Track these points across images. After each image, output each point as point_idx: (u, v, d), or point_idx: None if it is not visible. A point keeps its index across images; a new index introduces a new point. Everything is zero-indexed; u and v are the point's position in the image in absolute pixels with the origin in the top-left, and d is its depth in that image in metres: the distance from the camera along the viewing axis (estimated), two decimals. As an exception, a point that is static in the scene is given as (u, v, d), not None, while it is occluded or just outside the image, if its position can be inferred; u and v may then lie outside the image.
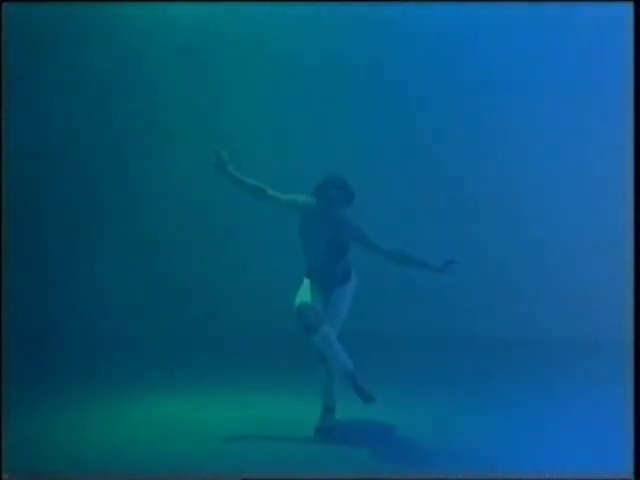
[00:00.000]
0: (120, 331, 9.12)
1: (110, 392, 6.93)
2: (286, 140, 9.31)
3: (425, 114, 9.23)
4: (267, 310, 8.86)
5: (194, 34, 9.32)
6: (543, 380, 7.07)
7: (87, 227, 9.45)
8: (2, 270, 9.04)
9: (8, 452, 5.39)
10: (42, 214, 9.47)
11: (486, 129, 9.20)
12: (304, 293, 6.05)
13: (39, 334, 9.04)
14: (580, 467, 4.81)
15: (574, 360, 7.91)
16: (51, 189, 9.47)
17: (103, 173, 9.42)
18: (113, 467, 5.20)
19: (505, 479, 4.68)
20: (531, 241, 9.17)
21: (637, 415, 5.32)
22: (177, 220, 9.41)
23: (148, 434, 5.91)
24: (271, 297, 8.73)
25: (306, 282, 6.12)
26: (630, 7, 8.75)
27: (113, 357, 8.34)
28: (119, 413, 6.39)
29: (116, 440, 5.78)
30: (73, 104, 9.44)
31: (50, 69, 9.42)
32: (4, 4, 9.22)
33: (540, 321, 9.01)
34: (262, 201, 6.07)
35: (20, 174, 9.33)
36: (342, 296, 6.05)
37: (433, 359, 8.17)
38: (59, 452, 5.53)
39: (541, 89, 9.14)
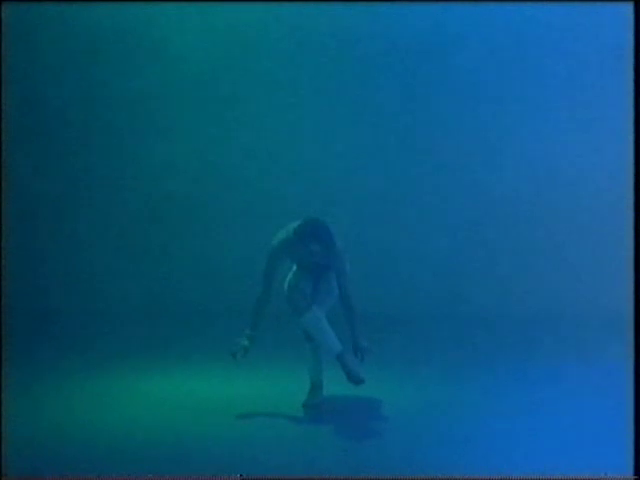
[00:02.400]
0: (109, 309, 9.20)
1: (102, 370, 7.00)
2: (286, 138, 9.34)
3: (426, 114, 9.25)
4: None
5: (194, 33, 9.33)
6: (542, 365, 7.08)
7: (85, 208, 9.55)
8: (1, 250, 9.21)
9: (6, 435, 5.42)
10: (39, 196, 9.55)
11: (486, 129, 9.21)
12: (293, 276, 6.11)
13: (37, 315, 9.09)
14: (579, 467, 4.80)
15: (574, 339, 7.97)
16: (49, 174, 9.54)
17: (99, 161, 9.50)
18: (105, 445, 5.26)
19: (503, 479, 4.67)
20: (531, 220, 9.21)
21: (637, 414, 5.31)
22: (169, 201, 9.47)
23: (140, 411, 5.97)
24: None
25: (295, 266, 6.16)
26: (630, 7, 8.75)
27: (105, 335, 8.41)
28: (110, 390, 6.46)
29: (108, 417, 5.85)
30: (73, 103, 9.46)
31: (50, 69, 9.43)
32: (4, 4, 9.21)
33: (540, 298, 9.07)
34: (269, 295, 6.00)
35: (18, 163, 9.41)
36: (332, 279, 6.06)
37: (429, 339, 8.20)
38: (56, 431, 5.58)
39: (541, 89, 9.14)
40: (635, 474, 4.59)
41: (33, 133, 9.48)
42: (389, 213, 9.29)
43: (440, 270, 9.21)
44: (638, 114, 8.41)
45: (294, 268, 6.18)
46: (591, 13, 8.96)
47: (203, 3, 9.22)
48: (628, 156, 8.71)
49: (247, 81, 9.33)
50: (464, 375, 6.89)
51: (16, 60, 9.35)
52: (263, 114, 9.34)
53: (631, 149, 8.78)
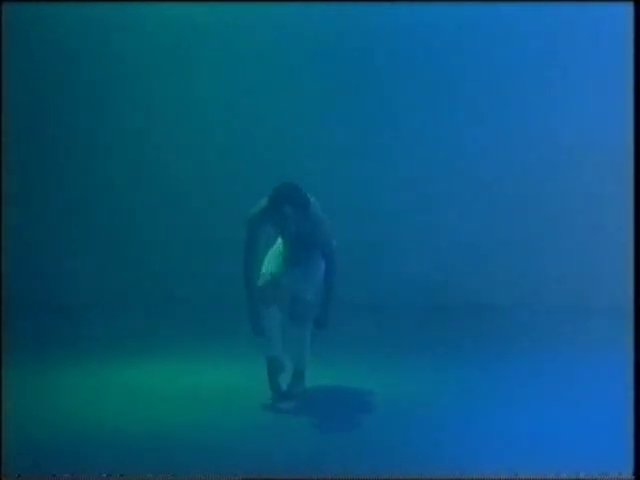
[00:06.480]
0: (110, 304, 9.21)
1: (102, 367, 7.01)
2: (283, 135, 9.35)
3: (426, 112, 9.26)
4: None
5: (190, 33, 9.36)
6: (541, 363, 7.07)
7: (83, 204, 9.54)
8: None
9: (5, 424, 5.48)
10: (38, 193, 9.55)
11: (486, 128, 9.22)
12: (271, 261, 6.11)
13: (35, 311, 9.11)
14: (579, 467, 4.79)
15: (573, 337, 7.95)
16: (47, 171, 9.53)
17: (98, 158, 9.50)
18: (105, 443, 5.29)
19: None
20: (529, 208, 9.20)
21: (637, 414, 5.31)
22: (168, 199, 9.49)
23: (138, 407, 5.98)
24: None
25: (274, 249, 6.16)
26: (630, 7, 8.74)
27: (105, 331, 8.41)
28: (109, 387, 6.47)
29: (108, 415, 5.87)
30: (72, 103, 9.48)
31: (50, 69, 9.46)
32: (4, 4, 9.21)
33: (539, 288, 9.07)
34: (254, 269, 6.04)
35: (17, 159, 9.42)
36: (314, 263, 6.05)
37: (421, 329, 8.21)
38: (55, 429, 5.61)
39: (540, 89, 9.13)
40: (635, 474, 4.58)
41: (32, 131, 9.49)
42: (385, 206, 9.29)
43: (436, 259, 9.19)
44: (638, 114, 8.41)
45: (273, 249, 6.17)
46: (591, 13, 8.96)
47: (204, 3, 9.23)
48: (628, 157, 8.73)
49: (245, 75, 9.34)
50: (457, 369, 6.86)
51: (16, 60, 9.36)
52: (260, 107, 9.34)
53: (631, 149, 8.79)
